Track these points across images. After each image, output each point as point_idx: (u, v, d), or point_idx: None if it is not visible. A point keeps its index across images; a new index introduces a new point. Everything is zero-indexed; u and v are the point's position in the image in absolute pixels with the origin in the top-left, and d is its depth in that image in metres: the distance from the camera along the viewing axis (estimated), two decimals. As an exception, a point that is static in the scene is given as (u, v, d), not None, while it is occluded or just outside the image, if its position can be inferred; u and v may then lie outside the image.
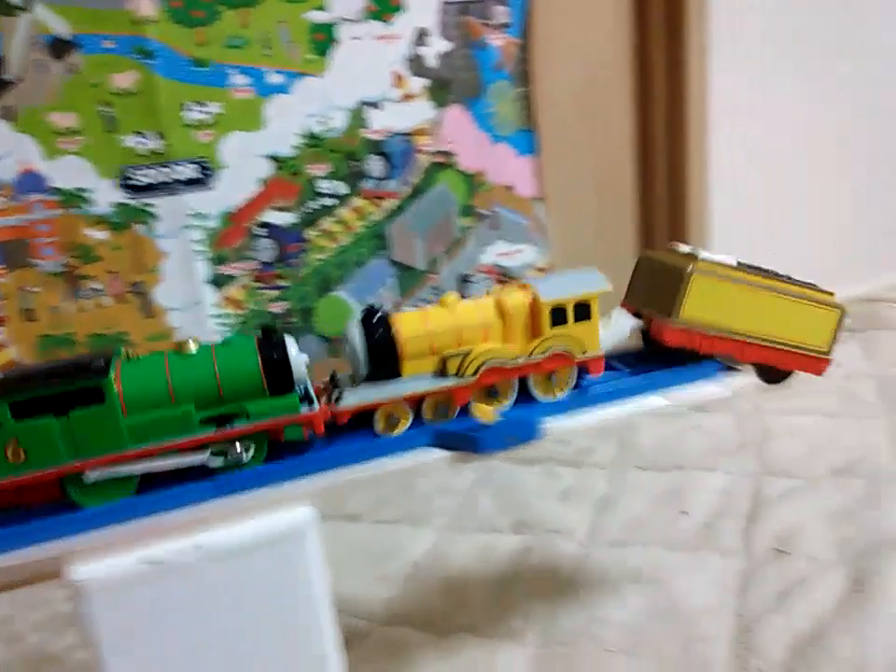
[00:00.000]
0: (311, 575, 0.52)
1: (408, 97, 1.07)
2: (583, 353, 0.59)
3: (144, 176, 0.95)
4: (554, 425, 0.58)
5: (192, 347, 0.52)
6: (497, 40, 1.10)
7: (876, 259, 1.49)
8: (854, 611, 0.72)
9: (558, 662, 0.72)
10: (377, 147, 1.06)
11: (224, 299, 1.03)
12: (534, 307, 0.58)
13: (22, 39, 0.87)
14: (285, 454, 0.54)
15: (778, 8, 1.30)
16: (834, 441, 1.02)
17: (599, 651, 0.72)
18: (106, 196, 0.94)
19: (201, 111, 0.96)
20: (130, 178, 0.94)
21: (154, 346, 0.99)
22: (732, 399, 0.80)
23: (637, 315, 0.65)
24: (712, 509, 0.91)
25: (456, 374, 0.56)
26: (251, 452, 0.52)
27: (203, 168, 0.97)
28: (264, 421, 0.52)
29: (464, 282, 1.17)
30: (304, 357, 0.54)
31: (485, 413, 0.55)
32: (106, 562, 0.48)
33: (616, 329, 0.64)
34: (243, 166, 1.00)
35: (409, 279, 1.13)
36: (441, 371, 0.56)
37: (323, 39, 1.00)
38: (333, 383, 0.58)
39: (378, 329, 0.55)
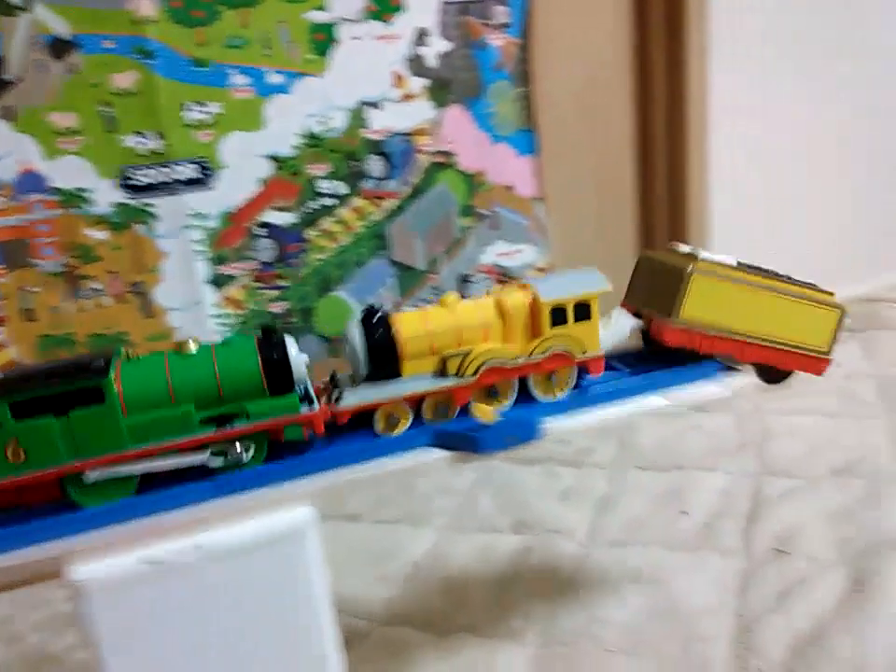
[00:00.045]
0: (311, 575, 0.52)
1: (408, 97, 1.07)
2: (583, 353, 0.59)
3: (144, 176, 0.95)
4: (554, 425, 0.58)
5: (192, 347, 0.52)
6: (496, 40, 1.10)
7: (876, 259, 1.49)
8: (854, 611, 0.72)
9: (558, 662, 0.72)
10: (377, 147, 1.06)
11: (224, 299, 1.03)
12: (534, 307, 0.58)
13: (22, 39, 0.87)
14: (285, 454, 0.54)
15: (778, 8, 1.30)
16: (834, 441, 1.02)
17: (599, 651, 0.72)
18: (106, 196, 0.94)
19: (201, 111, 0.96)
20: (130, 178, 0.94)
21: (154, 346, 0.99)
22: (732, 399, 0.80)
23: (637, 315, 0.65)
24: (712, 509, 0.91)
25: (456, 374, 0.56)
26: (251, 452, 0.52)
27: (203, 168, 0.97)
28: (264, 421, 0.52)
29: (464, 282, 1.17)
30: (304, 357, 0.54)
31: (485, 413, 0.55)
32: (106, 562, 0.48)
33: (616, 328, 0.64)
34: (243, 166, 1.00)
35: (409, 279, 1.13)
36: (441, 371, 0.56)
37: (323, 39, 1.00)
38: (333, 383, 0.58)
39: (378, 329, 0.55)
